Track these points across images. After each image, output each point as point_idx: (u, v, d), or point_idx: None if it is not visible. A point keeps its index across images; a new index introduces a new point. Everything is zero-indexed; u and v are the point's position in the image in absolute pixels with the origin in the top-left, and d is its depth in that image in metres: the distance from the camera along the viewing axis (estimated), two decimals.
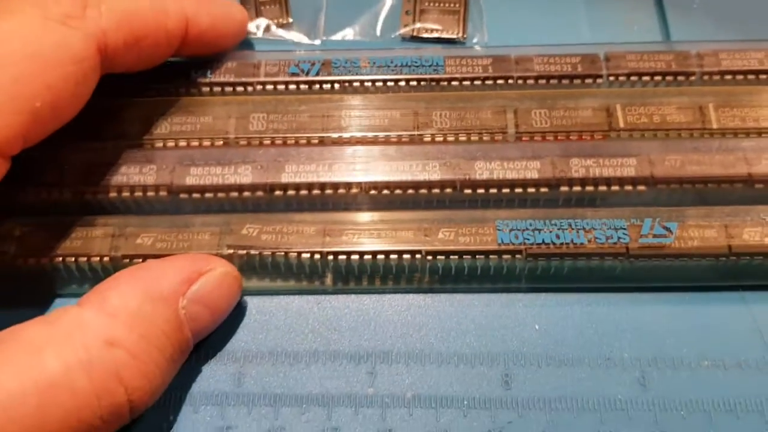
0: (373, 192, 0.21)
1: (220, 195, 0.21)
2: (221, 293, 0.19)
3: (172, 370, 0.18)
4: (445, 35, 0.25)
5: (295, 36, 0.26)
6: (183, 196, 0.21)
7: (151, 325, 0.17)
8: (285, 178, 0.21)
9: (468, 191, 0.21)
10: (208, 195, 0.21)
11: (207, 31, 0.21)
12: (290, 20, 0.26)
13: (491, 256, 0.20)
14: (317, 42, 0.26)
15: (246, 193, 0.21)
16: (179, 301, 0.18)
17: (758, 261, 0.20)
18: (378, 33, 0.25)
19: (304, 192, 0.21)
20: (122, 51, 0.19)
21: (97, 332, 0.16)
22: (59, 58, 0.17)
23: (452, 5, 0.26)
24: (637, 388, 0.19)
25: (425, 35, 0.25)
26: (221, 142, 0.22)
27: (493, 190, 0.21)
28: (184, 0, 0.21)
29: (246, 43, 0.25)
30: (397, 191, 0.21)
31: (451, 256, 0.20)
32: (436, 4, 0.26)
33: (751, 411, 0.19)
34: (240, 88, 0.23)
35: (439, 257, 0.20)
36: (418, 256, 0.20)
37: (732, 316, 0.20)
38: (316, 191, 0.21)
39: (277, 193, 0.21)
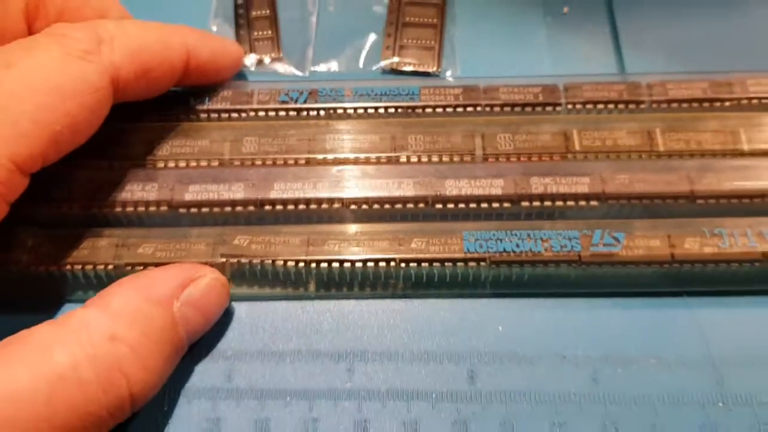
0: (353, 207, 0.23)
1: (215, 210, 0.23)
2: (211, 297, 0.21)
3: (168, 366, 0.20)
4: (421, 68, 0.28)
5: (285, 69, 0.28)
6: (182, 210, 0.23)
7: (149, 323, 0.19)
8: (274, 195, 0.23)
9: (439, 206, 0.23)
10: (204, 210, 0.23)
11: (206, 64, 0.24)
12: (281, 55, 0.29)
13: (458, 264, 0.22)
14: (306, 74, 0.28)
15: (238, 208, 0.23)
16: (174, 304, 0.20)
17: (699, 268, 0.22)
18: (361, 66, 0.28)
19: (291, 207, 0.23)
20: (133, 82, 0.21)
21: (101, 329, 0.18)
22: (78, 88, 0.20)
23: (428, 42, 0.28)
24: (589, 383, 0.21)
25: (404, 68, 0.28)
26: (217, 163, 0.24)
27: (462, 205, 0.23)
28: (186, 35, 0.23)
29: (241, 75, 0.28)
30: (375, 206, 0.23)
31: (422, 264, 0.22)
32: (414, 41, 0.28)
33: (692, 404, 0.21)
34: (235, 115, 0.25)
35: (411, 264, 0.22)
36: (392, 263, 0.22)
37: (676, 319, 0.22)
38: (302, 206, 0.23)
39: (267, 207, 0.23)
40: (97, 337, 0.18)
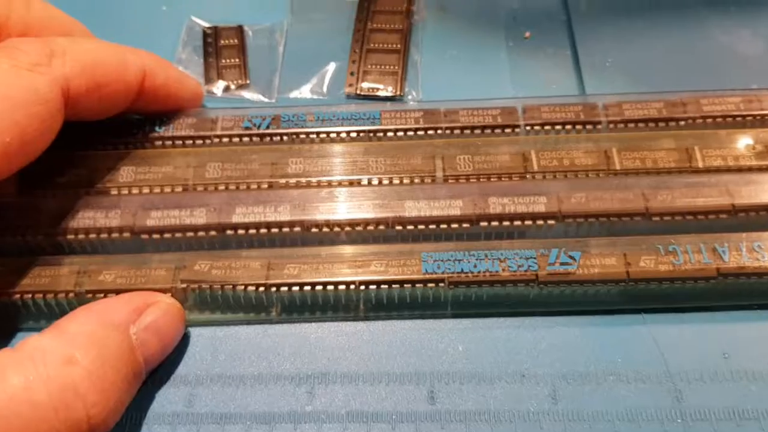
0: (314, 230, 0.23)
1: (177, 235, 0.23)
2: (167, 322, 0.21)
3: (127, 391, 0.20)
4: (384, 93, 0.28)
5: (252, 95, 0.29)
6: (144, 236, 0.23)
7: (105, 347, 0.19)
8: (236, 219, 0.23)
9: (399, 227, 0.23)
10: (166, 235, 0.23)
11: (161, 88, 0.24)
12: (248, 81, 0.29)
13: (417, 285, 0.22)
14: (272, 100, 0.29)
15: (200, 233, 0.23)
16: (130, 328, 0.20)
17: (655, 285, 0.22)
18: (325, 91, 0.29)
19: (252, 231, 0.23)
20: (84, 96, 0.22)
21: (56, 353, 0.18)
22: (27, 99, 0.20)
23: (391, 67, 0.29)
24: (548, 401, 0.21)
25: (367, 93, 0.28)
26: (180, 189, 0.24)
27: (421, 227, 0.23)
28: (143, 57, 0.24)
29: (207, 101, 0.28)
30: (336, 228, 0.23)
31: (382, 286, 0.22)
32: (377, 66, 0.29)
33: (651, 421, 0.21)
34: (199, 141, 0.25)
35: (371, 287, 0.22)
36: (352, 286, 0.22)
37: (634, 336, 0.22)
38: (263, 230, 0.23)
39: (229, 232, 0.23)
40: (52, 361, 0.18)
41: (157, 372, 0.22)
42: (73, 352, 0.19)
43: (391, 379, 0.22)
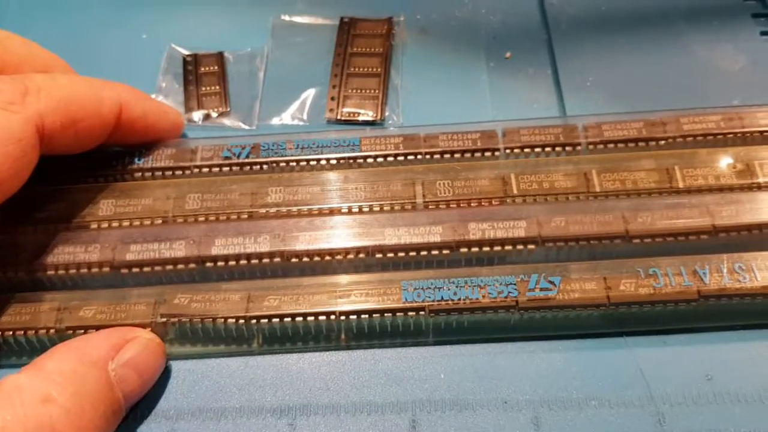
0: (294, 260, 0.23)
1: (157, 268, 0.23)
2: (146, 357, 0.21)
3: (106, 428, 0.20)
4: (365, 117, 0.28)
5: (232, 122, 0.29)
6: (123, 270, 0.23)
7: (83, 385, 0.19)
8: (215, 251, 0.23)
9: (379, 255, 0.23)
10: (146, 269, 0.23)
11: (138, 120, 0.24)
12: (228, 109, 0.29)
13: (398, 314, 0.22)
14: (253, 127, 0.29)
15: (180, 266, 0.23)
16: (109, 365, 0.20)
17: (636, 309, 0.22)
18: (305, 117, 0.29)
19: (232, 263, 0.23)
20: (59, 132, 0.22)
21: (33, 392, 0.18)
22: (1, 138, 0.20)
23: (372, 92, 0.29)
24: (531, 427, 0.21)
25: (348, 118, 0.28)
26: (160, 221, 0.24)
27: (401, 254, 0.23)
28: (119, 90, 0.24)
29: (187, 130, 0.28)
30: (316, 258, 0.23)
31: (362, 315, 0.22)
32: (358, 91, 0.29)
33: None
34: (179, 172, 0.25)
35: (351, 317, 0.22)
36: (332, 317, 0.22)
37: (615, 359, 0.22)
38: (243, 261, 0.23)
39: (209, 264, 0.23)
40: (29, 399, 0.18)
41: (138, 406, 0.22)
42: (50, 390, 0.19)
43: (373, 409, 0.22)
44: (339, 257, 0.23)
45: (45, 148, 0.22)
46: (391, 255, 0.23)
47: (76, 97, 0.22)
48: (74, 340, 0.21)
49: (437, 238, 0.23)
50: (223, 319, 0.22)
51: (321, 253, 0.23)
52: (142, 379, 0.21)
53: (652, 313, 0.22)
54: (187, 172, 0.25)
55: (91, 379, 0.19)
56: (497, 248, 0.23)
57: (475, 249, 0.23)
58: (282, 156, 0.26)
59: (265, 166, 0.25)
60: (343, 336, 0.23)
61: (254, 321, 0.22)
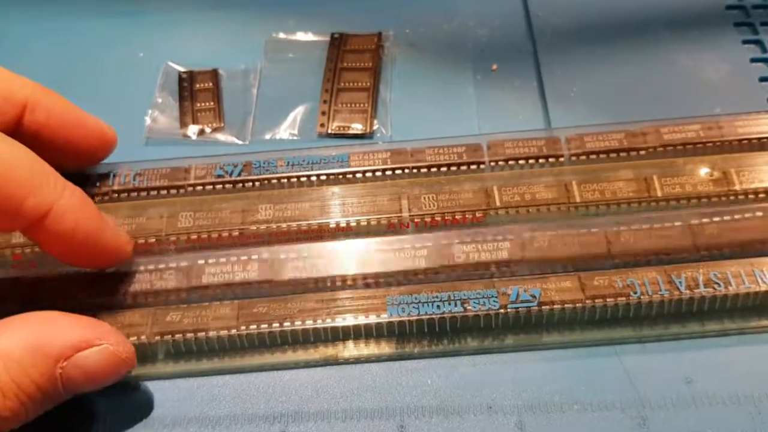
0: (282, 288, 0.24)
1: (149, 299, 0.24)
2: (101, 367, 0.20)
3: (39, 410, 0.20)
4: (354, 131, 0.29)
5: (226, 138, 0.30)
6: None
7: (25, 374, 0.19)
8: (205, 280, 0.24)
9: (367, 280, 0.24)
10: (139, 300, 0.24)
11: (45, 127, 0.23)
12: (222, 124, 0.30)
13: (384, 328, 0.23)
14: (246, 142, 0.29)
15: (171, 297, 0.24)
16: (59, 363, 0.20)
17: (611, 302, 0.23)
18: (297, 132, 0.29)
19: (219, 290, 0.24)
20: None
21: None
22: None
23: (361, 105, 0.30)
24: (515, 431, 0.22)
25: (338, 132, 0.29)
26: (154, 240, 0.25)
27: (390, 278, 0.24)
28: (35, 90, 0.23)
29: (182, 146, 0.29)
30: (301, 285, 0.24)
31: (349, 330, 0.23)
32: (347, 105, 0.30)
33: None
34: (173, 191, 0.26)
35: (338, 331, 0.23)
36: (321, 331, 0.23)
37: (598, 363, 0.23)
38: (234, 286, 0.24)
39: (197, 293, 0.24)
40: None
41: (132, 418, 0.22)
42: None
43: (363, 416, 0.22)
44: (327, 284, 0.24)
45: None
46: (379, 279, 0.24)
47: None
48: (44, 321, 0.20)
49: (423, 264, 0.24)
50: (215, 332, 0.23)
51: (306, 282, 0.24)
52: (89, 383, 0.20)
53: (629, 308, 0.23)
54: (182, 191, 0.26)
55: (34, 371, 0.19)
56: (482, 270, 0.24)
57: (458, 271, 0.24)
58: (273, 173, 0.26)
59: (256, 183, 0.26)
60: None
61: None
